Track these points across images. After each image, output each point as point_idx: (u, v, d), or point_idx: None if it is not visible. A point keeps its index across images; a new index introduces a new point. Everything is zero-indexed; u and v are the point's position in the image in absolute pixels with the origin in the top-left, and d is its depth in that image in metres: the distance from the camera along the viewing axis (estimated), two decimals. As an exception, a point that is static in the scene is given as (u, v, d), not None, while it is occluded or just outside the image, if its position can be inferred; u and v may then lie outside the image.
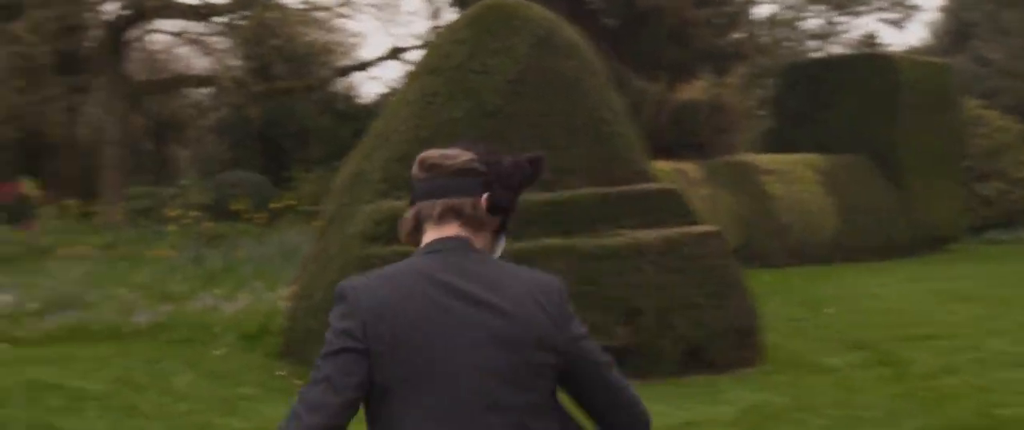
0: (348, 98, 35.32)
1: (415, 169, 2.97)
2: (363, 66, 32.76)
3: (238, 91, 30.85)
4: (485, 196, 2.93)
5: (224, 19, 31.78)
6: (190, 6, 29.50)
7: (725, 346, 11.12)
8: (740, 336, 11.33)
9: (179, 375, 11.05)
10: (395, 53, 32.54)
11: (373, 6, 32.01)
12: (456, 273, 2.83)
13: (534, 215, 10.72)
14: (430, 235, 2.92)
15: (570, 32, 12.31)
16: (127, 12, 29.84)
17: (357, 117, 33.22)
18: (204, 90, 37.48)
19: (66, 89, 29.76)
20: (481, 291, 2.80)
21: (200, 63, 36.61)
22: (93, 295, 15.62)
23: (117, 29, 30.23)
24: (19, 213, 24.52)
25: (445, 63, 11.89)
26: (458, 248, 2.89)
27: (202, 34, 32.44)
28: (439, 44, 12.60)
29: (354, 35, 37.24)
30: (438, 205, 2.91)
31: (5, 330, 13.28)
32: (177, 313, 14.41)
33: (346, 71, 33.14)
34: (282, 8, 29.95)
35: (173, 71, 38.46)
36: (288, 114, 33.29)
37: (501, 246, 3.08)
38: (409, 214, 2.98)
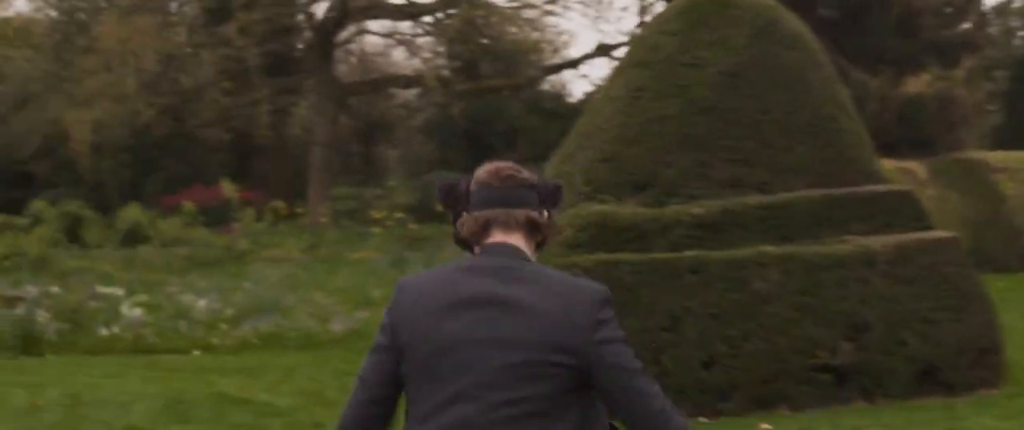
0: (557, 97, 34.72)
1: (484, 178, 3.17)
2: (572, 64, 31.95)
3: (444, 90, 30.48)
4: (545, 212, 3.21)
5: (431, 18, 31.50)
6: (397, 6, 29.27)
7: (963, 365, 9.97)
8: (980, 354, 10.15)
9: (370, 388, 10.49)
10: (603, 50, 31.68)
11: (582, 3, 31.08)
12: (498, 277, 3.05)
13: (749, 220, 9.80)
14: (497, 238, 3.13)
15: (794, 21, 11.28)
16: (334, 13, 29.79)
17: (565, 116, 32.42)
18: (412, 90, 37.33)
19: (275, 91, 29.84)
20: (510, 294, 3.01)
21: (408, 63, 36.53)
22: (290, 300, 15.31)
23: (326, 31, 30.25)
24: (221, 216, 24.57)
25: (653, 56, 11.00)
26: (512, 253, 3.12)
27: (409, 34, 32.26)
28: (646, 36, 11.74)
29: (562, 33, 36.45)
30: (518, 214, 3.14)
31: (201, 337, 13.00)
32: (373, 320, 13.92)
33: (554, 69, 32.41)
34: (489, 6, 29.46)
35: (381, 72, 38.48)
36: (495, 113, 32.84)
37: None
38: (473, 217, 3.14)
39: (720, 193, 10.03)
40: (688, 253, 9.39)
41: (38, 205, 13.99)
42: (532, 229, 3.17)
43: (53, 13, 37.21)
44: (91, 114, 27.43)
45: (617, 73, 11.75)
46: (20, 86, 35.38)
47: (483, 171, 3.20)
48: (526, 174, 3.19)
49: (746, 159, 10.27)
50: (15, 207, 28.08)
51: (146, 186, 31.69)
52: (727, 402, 9.14)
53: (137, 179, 32.29)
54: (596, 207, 9.95)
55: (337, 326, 13.33)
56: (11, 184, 33.55)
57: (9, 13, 45.69)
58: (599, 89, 29.18)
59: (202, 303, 14.60)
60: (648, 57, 11.03)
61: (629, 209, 9.89)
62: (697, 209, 9.81)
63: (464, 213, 3.18)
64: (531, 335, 2.97)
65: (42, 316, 13.16)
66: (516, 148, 32.32)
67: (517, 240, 3.14)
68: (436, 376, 3.00)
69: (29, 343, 12.46)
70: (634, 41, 11.82)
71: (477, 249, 3.16)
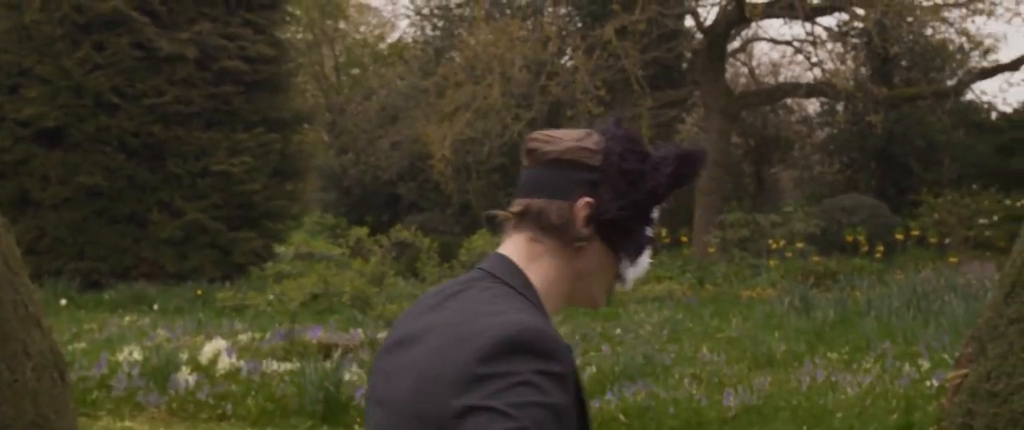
0: (986, 107, 29.96)
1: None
2: (1009, 66, 27.07)
3: (857, 98, 26.51)
4: (584, 201, 2.29)
5: (834, 21, 27.63)
6: (800, 5, 25.48)
7: None
8: None
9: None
10: (1043, 52, 26.74)
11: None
12: (434, 308, 2.26)
13: None
14: (502, 246, 2.34)
15: None
16: (727, 13, 26.41)
17: (998, 129, 27.91)
18: (810, 102, 33.48)
19: (658, 103, 26.77)
20: (417, 336, 2.21)
21: (805, 72, 32.92)
22: (669, 356, 11.98)
23: (715, 35, 26.92)
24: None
25: None
26: (484, 274, 2.29)
27: (810, 39, 28.37)
28: None
29: (989, 35, 31.46)
30: (518, 205, 2.32)
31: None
32: (777, 389, 10.38)
33: (985, 74, 27.65)
34: (904, 3, 25.19)
35: (769, 83, 34.92)
36: (912, 127, 28.55)
37: (632, 273, 2.39)
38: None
39: None
40: None
41: (358, 232, 11.69)
42: (548, 229, 2.28)
43: (429, 31, 36.16)
44: (453, 129, 25.29)
45: None
46: (389, 104, 34.26)
47: None
48: (568, 143, 2.31)
49: None
50: (385, 230, 26.47)
51: (517, 209, 29.55)
52: None
53: (509, 201, 30.17)
54: None
55: (730, 399, 9.84)
56: (381, 206, 32.30)
57: (393, 38, 45.72)
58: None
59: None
60: None
61: None
62: None
63: None
64: (403, 395, 2.16)
65: (352, 374, 10.37)
66: (938, 167, 28.03)
67: (512, 245, 2.32)
68: None
69: (331, 408, 9.70)
70: None
71: None
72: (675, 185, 2.37)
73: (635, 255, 2.38)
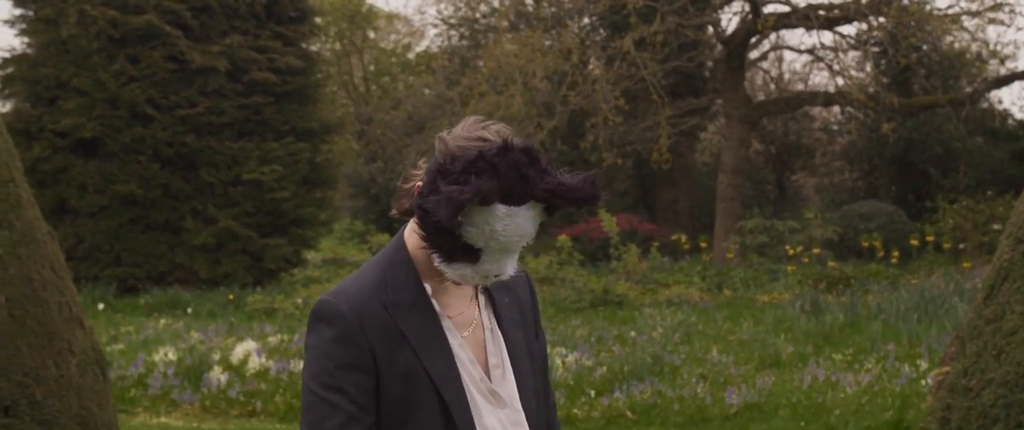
0: (1004, 115, 30.16)
1: None
2: (1022, 76, 27.29)
3: (870, 108, 26.80)
4: (417, 182, 2.63)
5: (853, 29, 27.87)
6: (814, 16, 25.79)
7: None
8: None
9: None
10: (1060, 60, 26.98)
11: (1034, 7, 26.42)
12: None
13: None
14: None
15: None
16: (747, 24, 26.74)
17: (1015, 137, 28.14)
18: (832, 110, 33.68)
19: (679, 112, 27.12)
20: None
21: (826, 80, 33.13)
22: (679, 357, 12.46)
23: (735, 45, 27.27)
24: (604, 253, 21.97)
25: None
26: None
27: (831, 48, 28.64)
28: None
29: (1007, 43, 31.58)
30: None
31: (561, 405, 10.35)
32: (779, 388, 10.87)
33: (1003, 81, 27.87)
34: (923, 13, 25.48)
35: (796, 90, 35.14)
36: (929, 135, 28.82)
37: (449, 272, 2.59)
38: None
39: None
40: None
41: (380, 239, 12.12)
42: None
43: (455, 41, 36.52)
44: (477, 137, 25.69)
45: None
46: (416, 114, 34.75)
47: None
48: (451, 134, 2.68)
49: None
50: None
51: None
52: None
53: (537, 210, 30.57)
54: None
55: (732, 396, 10.34)
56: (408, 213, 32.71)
57: (421, 47, 46.14)
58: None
59: (570, 358, 12.01)
60: None
61: None
62: None
63: None
64: None
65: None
66: (955, 174, 28.27)
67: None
68: None
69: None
70: None
71: None
72: (449, 215, 2.46)
73: (444, 256, 2.56)
